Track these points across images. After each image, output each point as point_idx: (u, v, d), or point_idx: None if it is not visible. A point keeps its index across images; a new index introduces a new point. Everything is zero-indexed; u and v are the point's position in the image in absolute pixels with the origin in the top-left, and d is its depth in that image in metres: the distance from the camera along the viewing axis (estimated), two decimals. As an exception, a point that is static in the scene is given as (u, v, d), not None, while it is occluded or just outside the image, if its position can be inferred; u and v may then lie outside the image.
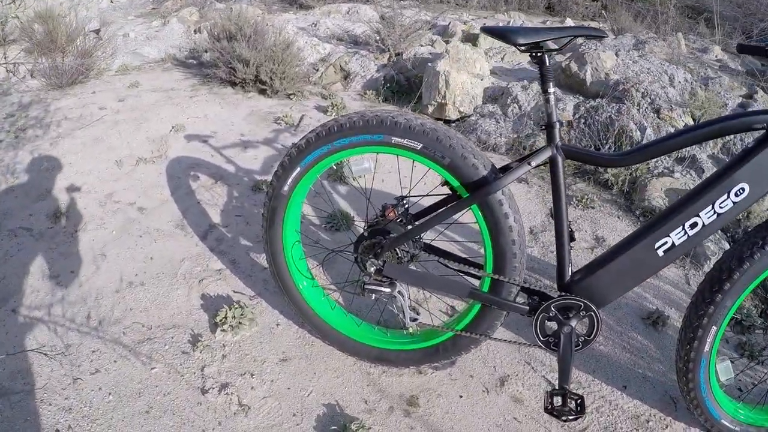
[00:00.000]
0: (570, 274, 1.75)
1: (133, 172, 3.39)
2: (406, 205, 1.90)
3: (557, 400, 1.74)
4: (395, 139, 1.68)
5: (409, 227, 1.84)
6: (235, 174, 3.39)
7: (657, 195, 3.23)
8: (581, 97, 4.16)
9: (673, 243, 1.62)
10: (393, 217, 1.85)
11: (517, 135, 3.85)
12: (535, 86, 4.22)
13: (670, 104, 3.83)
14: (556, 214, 1.69)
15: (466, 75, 4.23)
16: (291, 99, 4.59)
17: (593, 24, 7.47)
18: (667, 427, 1.94)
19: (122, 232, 2.82)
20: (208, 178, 3.32)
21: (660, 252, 1.64)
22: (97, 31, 6.33)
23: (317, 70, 5.14)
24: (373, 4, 6.83)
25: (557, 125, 1.65)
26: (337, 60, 5.16)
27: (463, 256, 1.99)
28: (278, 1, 7.63)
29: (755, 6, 8.88)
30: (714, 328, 1.69)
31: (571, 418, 1.71)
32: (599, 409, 2.00)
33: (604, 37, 1.72)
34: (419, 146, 1.66)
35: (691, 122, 3.72)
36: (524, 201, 3.23)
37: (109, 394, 1.96)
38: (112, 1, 8.19)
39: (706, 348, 1.72)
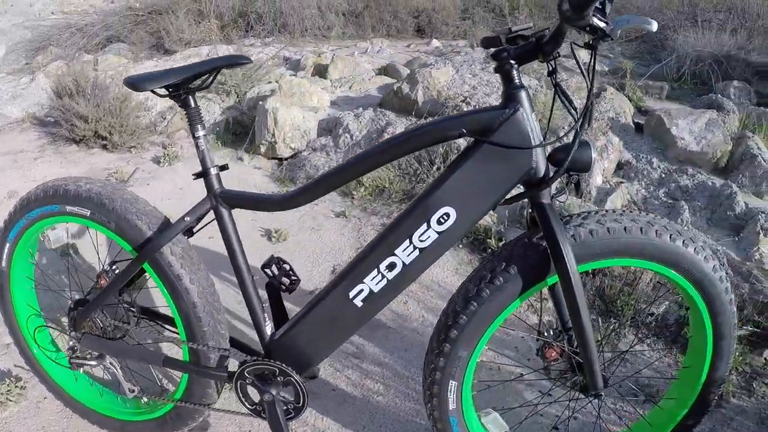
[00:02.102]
0: (269, 334, 1.63)
1: None
2: (117, 271, 1.79)
3: None
4: (69, 208, 1.65)
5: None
6: (81, 254, 3.28)
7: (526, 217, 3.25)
8: (414, 119, 4.22)
9: (371, 290, 1.42)
10: (105, 285, 1.75)
11: (347, 165, 3.85)
12: (368, 113, 4.26)
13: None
14: (236, 270, 1.59)
15: (298, 110, 4.24)
16: (131, 152, 4.52)
17: (461, 42, 7.62)
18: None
19: None
20: (52, 259, 3.19)
21: (357, 302, 1.44)
22: None
23: (164, 118, 5.07)
24: (234, 44, 6.81)
25: (212, 172, 1.56)
26: (185, 106, 5.09)
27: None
28: (147, 48, 7.52)
29: (629, 9, 9.19)
30: (453, 382, 1.49)
31: None
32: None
33: (247, 63, 1.62)
34: (88, 213, 1.62)
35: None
36: (337, 235, 3.24)
37: None
38: None
39: (451, 405, 1.53)
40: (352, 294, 1.43)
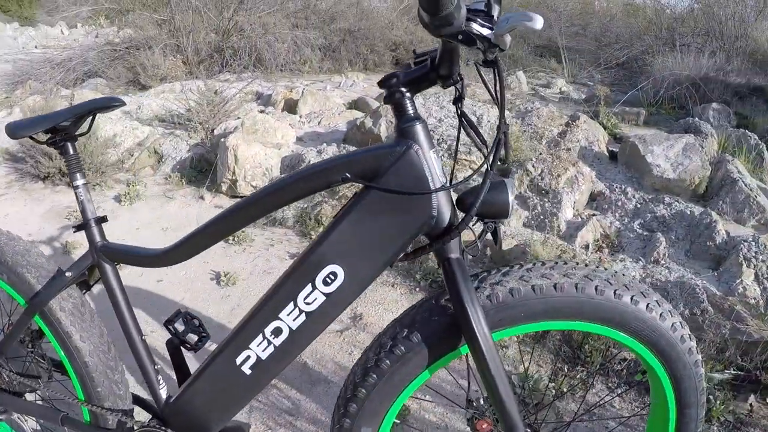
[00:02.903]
0: (164, 398, 1.47)
1: None
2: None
3: None
4: None
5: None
6: None
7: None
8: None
9: (258, 357, 1.24)
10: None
11: (306, 205, 3.70)
12: (332, 149, 4.15)
13: (468, 147, 3.75)
14: (123, 329, 1.45)
15: (260, 147, 4.09)
16: (95, 190, 4.38)
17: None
18: None
19: None
20: None
21: (246, 369, 1.26)
22: None
23: (132, 155, 4.94)
24: (208, 80, 6.71)
25: (93, 224, 1.44)
26: (151, 143, 4.97)
27: None
28: (123, 83, 7.45)
29: (609, 37, 9.22)
30: None
31: None
32: None
33: (120, 105, 1.49)
34: None
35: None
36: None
37: None
38: None
39: None
40: (239, 361, 1.25)
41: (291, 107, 5.53)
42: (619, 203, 3.47)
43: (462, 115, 1.06)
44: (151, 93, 6.60)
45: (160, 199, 4.21)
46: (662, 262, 2.94)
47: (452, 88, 1.07)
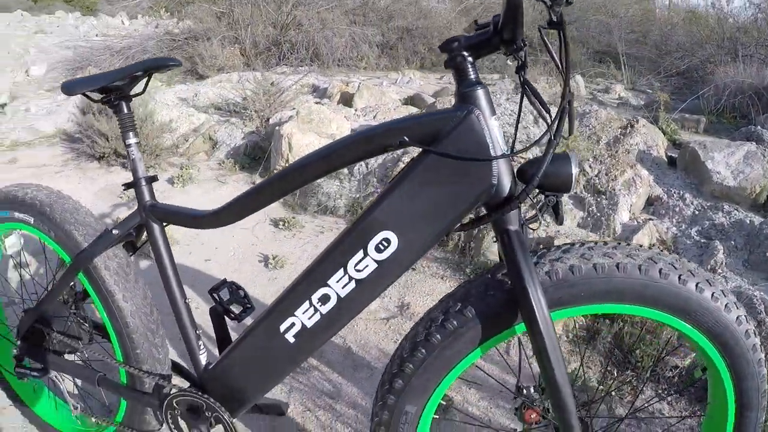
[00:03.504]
0: (204, 364, 1.45)
1: None
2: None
3: None
4: (17, 214, 1.60)
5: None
6: (40, 262, 3.20)
7: (497, 248, 3.04)
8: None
9: (303, 325, 1.20)
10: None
11: (359, 195, 3.71)
12: (387, 142, 4.11)
13: (524, 145, 3.70)
14: (167, 291, 1.44)
15: (315, 136, 4.12)
16: (149, 173, 4.45)
17: (496, 76, 7.49)
18: None
19: None
20: (30, 257, 3.13)
21: (289, 337, 1.22)
22: (3, 106, 6.30)
23: (187, 140, 5.03)
24: (265, 72, 6.80)
25: (143, 183, 1.44)
26: (206, 130, 5.06)
27: None
28: (181, 73, 7.59)
29: (670, 45, 9.02)
30: None
31: None
32: None
33: (176, 65, 1.49)
34: (32, 220, 1.57)
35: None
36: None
37: None
38: (28, 75, 8.14)
39: None
40: (282, 328, 1.22)
41: (347, 100, 5.55)
42: (677, 209, 3.38)
43: (525, 83, 1.01)
44: (208, 82, 6.71)
45: (213, 183, 4.27)
46: (719, 270, 2.84)
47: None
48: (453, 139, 1.01)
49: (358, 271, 1.12)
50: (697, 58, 7.18)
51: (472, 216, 1.13)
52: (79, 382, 1.95)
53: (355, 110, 5.31)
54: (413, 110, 5.38)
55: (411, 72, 7.22)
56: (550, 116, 1.01)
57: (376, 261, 1.10)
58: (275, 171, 4.10)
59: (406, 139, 1.04)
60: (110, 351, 1.63)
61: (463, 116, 1.01)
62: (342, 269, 1.12)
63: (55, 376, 1.74)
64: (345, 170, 3.98)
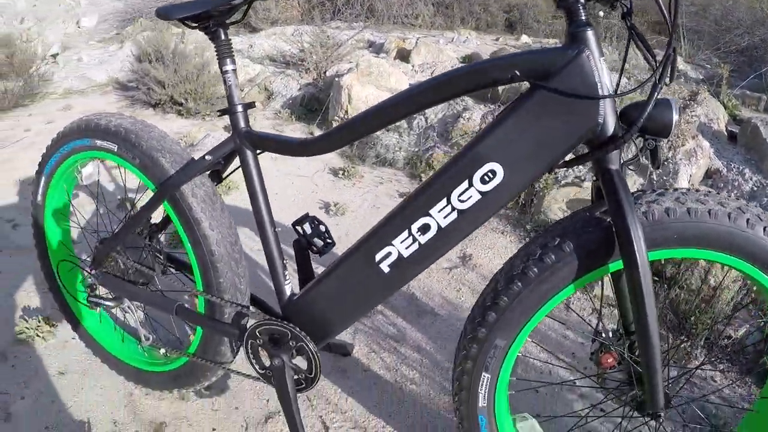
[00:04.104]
0: (289, 294, 1.48)
1: (25, 191, 3.36)
2: None
3: None
4: (98, 142, 1.60)
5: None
6: (113, 192, 3.32)
7: (557, 207, 3.07)
8: (492, 106, 4.06)
9: (399, 254, 1.23)
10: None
11: (418, 149, 3.75)
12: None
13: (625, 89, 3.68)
14: (257, 220, 1.45)
15: (373, 89, 4.15)
16: (204, 119, 4.55)
17: (552, 41, 7.38)
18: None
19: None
20: (86, 197, 3.26)
21: (384, 267, 1.26)
22: (55, 56, 6.43)
23: (242, 90, 5.10)
24: (321, 24, 6.80)
25: (238, 109, 1.44)
26: (262, 80, 5.12)
27: None
28: (233, 25, 7.62)
29: (731, 21, 8.75)
30: (486, 375, 1.27)
31: None
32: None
33: None
34: (115, 148, 1.58)
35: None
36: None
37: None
38: (79, 27, 8.24)
39: (481, 402, 1.31)
40: (378, 257, 1.26)
41: (403, 57, 5.54)
42: (736, 183, 3.35)
43: (632, 27, 1.04)
44: (262, 35, 6.74)
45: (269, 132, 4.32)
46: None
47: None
48: (563, 77, 1.04)
49: (461, 201, 1.14)
50: (758, 36, 6.98)
51: (573, 154, 1.15)
52: (149, 314, 2.00)
53: (412, 66, 5.30)
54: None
55: (467, 32, 7.15)
56: (656, 61, 1.03)
57: (480, 192, 1.13)
58: (333, 122, 4.16)
59: (518, 73, 1.06)
60: (183, 283, 1.67)
61: (574, 55, 1.03)
62: (445, 199, 1.15)
63: (128, 307, 1.79)
64: (404, 124, 4.02)
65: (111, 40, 7.34)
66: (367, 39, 6.39)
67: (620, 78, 1.19)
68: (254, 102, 1.53)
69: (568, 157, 1.14)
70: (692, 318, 2.27)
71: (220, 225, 1.54)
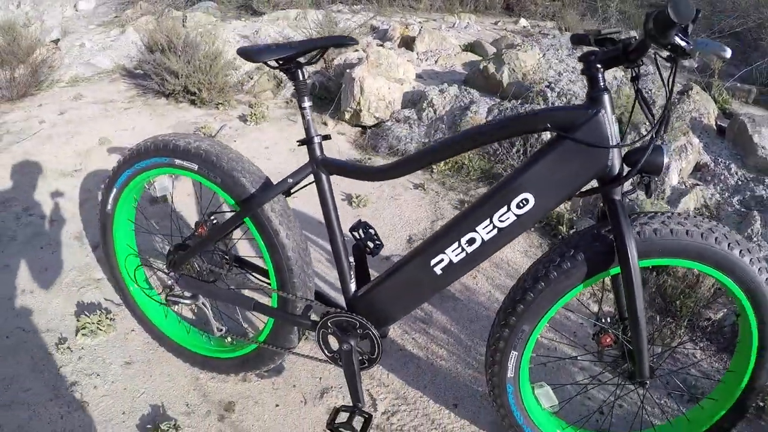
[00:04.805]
0: (353, 290, 1.79)
1: (51, 186, 3.50)
2: (215, 221, 2.00)
3: (342, 417, 1.78)
4: (177, 161, 1.84)
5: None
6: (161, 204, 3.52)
7: (556, 209, 3.31)
8: (497, 99, 4.30)
9: (450, 260, 1.57)
10: (203, 233, 1.97)
11: (428, 139, 4.00)
12: (453, 89, 4.36)
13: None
14: (329, 230, 1.74)
15: (384, 80, 4.37)
16: (218, 109, 4.70)
17: (549, 24, 7.59)
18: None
19: (27, 244, 2.97)
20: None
21: (437, 270, 1.59)
22: (57, 41, 6.38)
23: (251, 78, 5.27)
24: (322, 9, 6.95)
25: (315, 140, 1.69)
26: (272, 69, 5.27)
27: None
28: (234, 8, 7.68)
29: (725, 3, 8.91)
30: (514, 353, 1.65)
31: None
32: (417, 428, 2.06)
33: (354, 44, 1.73)
34: (195, 167, 1.81)
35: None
36: (414, 206, 3.41)
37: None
38: (77, 10, 8.23)
39: (510, 374, 1.69)
40: (433, 262, 1.59)
41: (407, 44, 5.73)
42: (722, 177, 3.64)
43: (638, 91, 1.38)
44: (265, 19, 6.82)
45: (285, 122, 4.50)
46: (755, 239, 3.11)
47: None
48: (584, 131, 1.37)
49: (501, 221, 1.49)
50: (752, 20, 7.18)
51: (587, 187, 1.50)
52: (220, 309, 2.27)
53: (417, 54, 5.52)
54: (473, 57, 5.57)
55: (467, 16, 7.34)
56: (653, 117, 1.39)
57: (515, 215, 1.48)
58: (346, 113, 4.38)
59: (549, 125, 1.41)
60: (250, 280, 1.94)
61: (593, 114, 1.37)
62: (488, 219, 1.50)
63: (203, 303, 2.05)
64: (414, 115, 4.26)
65: (111, 24, 7.30)
66: (370, 24, 6.57)
67: (626, 131, 1.55)
68: (330, 135, 1.81)
69: (583, 189, 1.48)
70: (677, 302, 2.58)
71: (294, 234, 1.83)
